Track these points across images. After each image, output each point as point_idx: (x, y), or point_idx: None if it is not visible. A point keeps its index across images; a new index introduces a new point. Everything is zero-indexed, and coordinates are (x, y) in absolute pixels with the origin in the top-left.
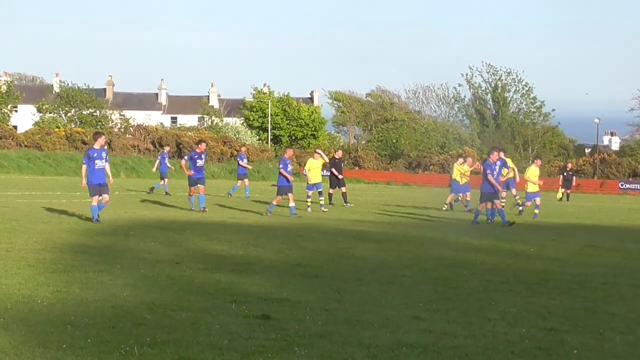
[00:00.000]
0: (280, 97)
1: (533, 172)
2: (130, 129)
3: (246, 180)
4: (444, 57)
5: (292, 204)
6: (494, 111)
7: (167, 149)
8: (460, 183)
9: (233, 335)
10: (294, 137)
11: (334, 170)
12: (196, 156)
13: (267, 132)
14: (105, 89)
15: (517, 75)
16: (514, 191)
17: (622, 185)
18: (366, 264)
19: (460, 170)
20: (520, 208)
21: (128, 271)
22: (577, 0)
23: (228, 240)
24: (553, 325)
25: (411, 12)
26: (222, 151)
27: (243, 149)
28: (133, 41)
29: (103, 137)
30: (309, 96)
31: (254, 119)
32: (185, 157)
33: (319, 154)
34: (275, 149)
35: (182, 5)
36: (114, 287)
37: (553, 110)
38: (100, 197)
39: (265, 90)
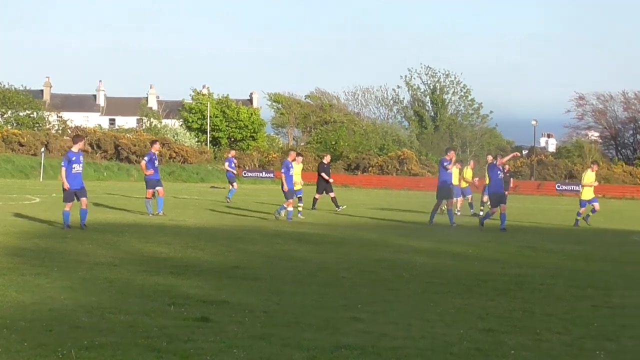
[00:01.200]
0: (220, 99)
1: (590, 177)
2: (68, 130)
3: (235, 184)
4: (384, 60)
5: (290, 209)
6: (432, 113)
7: (232, 152)
8: (461, 186)
9: (171, 337)
10: (233, 139)
11: (324, 174)
12: (154, 157)
13: (206, 133)
14: (42, 91)
15: (455, 78)
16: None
17: (559, 186)
18: (305, 266)
19: (465, 175)
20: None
21: (65, 274)
22: (512, 2)
23: (167, 242)
24: (491, 326)
25: (350, 15)
26: (161, 153)
27: (232, 152)
28: (70, 42)
29: (83, 140)
30: (249, 98)
31: (193, 121)
32: (145, 158)
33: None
34: (214, 151)
35: (119, 5)
36: (52, 290)
37: (491, 112)
38: (79, 202)
39: (205, 92)
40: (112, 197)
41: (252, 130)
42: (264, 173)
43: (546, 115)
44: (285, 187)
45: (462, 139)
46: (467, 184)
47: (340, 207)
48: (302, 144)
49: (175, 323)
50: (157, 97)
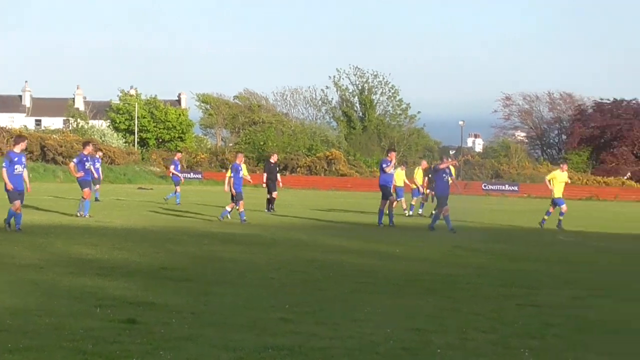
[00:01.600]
0: (148, 100)
1: (559, 177)
2: None
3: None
4: (312, 60)
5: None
6: (361, 113)
7: (178, 155)
8: (411, 187)
9: (98, 339)
10: (161, 140)
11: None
12: (85, 159)
13: (134, 134)
14: None
15: (383, 78)
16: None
17: (485, 186)
18: (234, 267)
19: (416, 176)
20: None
21: None
22: (435, 2)
23: (94, 243)
24: (418, 326)
25: (278, 14)
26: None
27: (179, 155)
28: None
29: (25, 141)
30: (177, 99)
31: (120, 122)
32: (75, 160)
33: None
34: (142, 152)
35: (46, 6)
36: None
37: (419, 112)
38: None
39: (132, 92)
40: (38, 199)
41: (180, 131)
42: (192, 174)
43: (473, 116)
44: (233, 191)
45: (390, 139)
46: (415, 186)
47: (271, 211)
48: (231, 144)
49: (102, 325)
50: (84, 97)
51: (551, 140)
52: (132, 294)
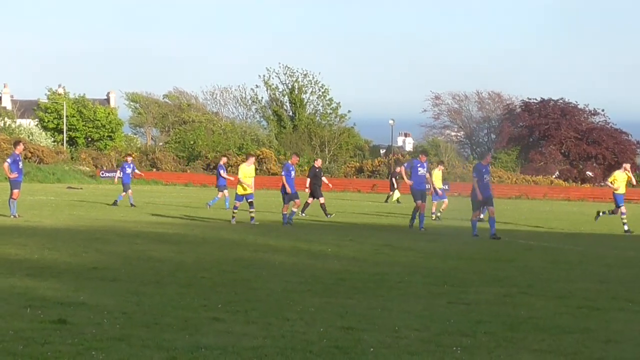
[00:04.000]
0: (76, 99)
1: (619, 177)
2: None
3: (226, 192)
4: (242, 59)
5: (294, 210)
6: (291, 113)
7: (129, 158)
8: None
9: (28, 340)
10: (90, 139)
11: (324, 179)
12: (18, 158)
13: (63, 133)
14: None
15: (313, 77)
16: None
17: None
18: (165, 266)
19: (438, 178)
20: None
21: None
22: (366, 2)
23: (22, 243)
24: (350, 324)
25: (208, 13)
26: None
27: (224, 159)
28: None
29: (20, 143)
30: (106, 97)
31: (48, 121)
32: (8, 160)
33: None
34: (71, 151)
35: None
36: None
37: (349, 111)
38: None
39: (61, 91)
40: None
41: (109, 130)
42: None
43: (404, 115)
44: (288, 190)
45: (320, 139)
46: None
47: (329, 215)
48: (161, 143)
49: (32, 326)
50: (12, 96)
51: (480, 140)
52: (63, 294)
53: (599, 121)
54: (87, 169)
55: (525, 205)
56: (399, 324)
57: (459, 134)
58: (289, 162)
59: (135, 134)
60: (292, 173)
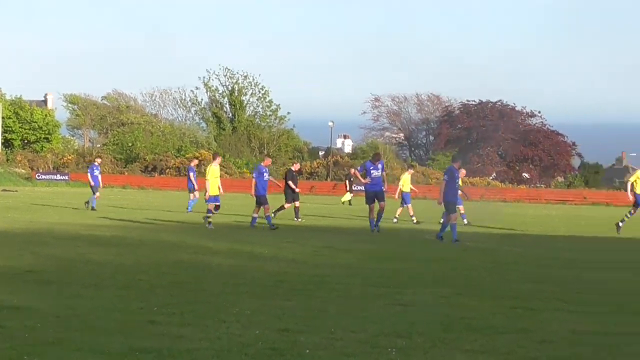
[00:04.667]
0: (13, 100)
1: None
2: None
3: (196, 194)
4: (182, 60)
5: (267, 214)
6: (230, 114)
7: (98, 160)
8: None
9: None
10: (26, 141)
11: (290, 183)
12: None
13: None
14: None
15: (253, 79)
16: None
17: (355, 187)
18: (102, 269)
19: (407, 182)
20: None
21: None
22: (305, 2)
23: None
24: (287, 326)
25: (146, 16)
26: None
27: (195, 161)
28: None
29: None
30: (43, 99)
31: None
32: None
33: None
34: (6, 153)
35: None
36: None
37: (288, 113)
38: None
39: None
40: None
41: (46, 132)
42: (58, 175)
43: (343, 117)
44: (252, 193)
45: (259, 141)
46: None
47: (299, 219)
48: (99, 145)
49: None
50: None
51: (419, 141)
52: None
53: (536, 123)
54: (23, 171)
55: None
56: (336, 325)
57: (398, 136)
58: (262, 164)
59: (73, 136)
60: (266, 175)
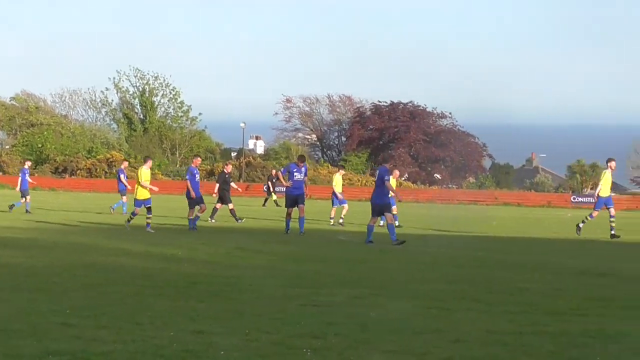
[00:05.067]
0: None
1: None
2: None
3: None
4: (91, 61)
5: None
6: (142, 115)
7: (28, 163)
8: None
9: None
10: None
11: (221, 185)
12: None
13: None
14: None
15: (164, 80)
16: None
17: (266, 188)
18: (14, 271)
19: (339, 182)
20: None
21: None
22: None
23: None
24: (202, 328)
25: (55, 18)
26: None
27: (125, 163)
28: None
29: None
30: None
31: None
32: None
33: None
34: None
35: None
36: None
37: (200, 114)
38: None
39: None
40: None
41: None
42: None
43: (255, 118)
44: (193, 194)
45: (171, 142)
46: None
47: (240, 220)
48: (7, 146)
49: None
50: None
51: (331, 142)
52: None
53: (447, 124)
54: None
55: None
56: (251, 326)
57: (310, 137)
58: (192, 165)
59: None
60: (197, 176)
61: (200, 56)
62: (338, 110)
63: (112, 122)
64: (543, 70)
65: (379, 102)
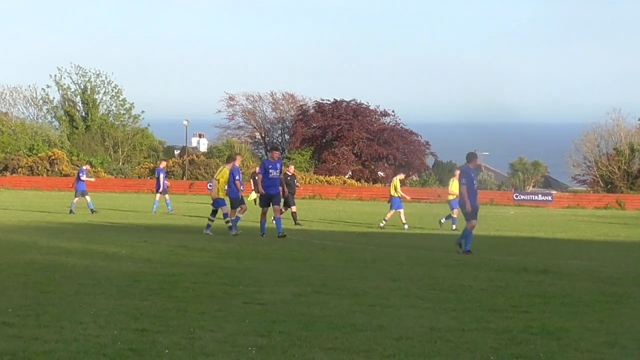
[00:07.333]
0: None
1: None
2: None
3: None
4: (32, 57)
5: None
6: (83, 113)
7: (87, 167)
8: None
9: None
10: None
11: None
12: None
13: None
14: None
15: (106, 77)
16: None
17: (210, 186)
18: None
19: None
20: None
21: None
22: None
23: None
24: (145, 326)
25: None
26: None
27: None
28: None
29: None
30: None
31: None
32: None
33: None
34: None
35: None
36: None
37: (143, 112)
38: None
39: None
40: None
41: None
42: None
43: (198, 116)
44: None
45: (114, 140)
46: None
47: (298, 224)
48: None
49: None
50: None
51: (275, 140)
52: None
53: (389, 122)
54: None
55: (319, 205)
56: (194, 325)
57: (253, 135)
58: (235, 164)
59: None
60: (238, 176)
61: (142, 54)
62: (281, 107)
63: (53, 119)
64: (487, 71)
65: (322, 99)
